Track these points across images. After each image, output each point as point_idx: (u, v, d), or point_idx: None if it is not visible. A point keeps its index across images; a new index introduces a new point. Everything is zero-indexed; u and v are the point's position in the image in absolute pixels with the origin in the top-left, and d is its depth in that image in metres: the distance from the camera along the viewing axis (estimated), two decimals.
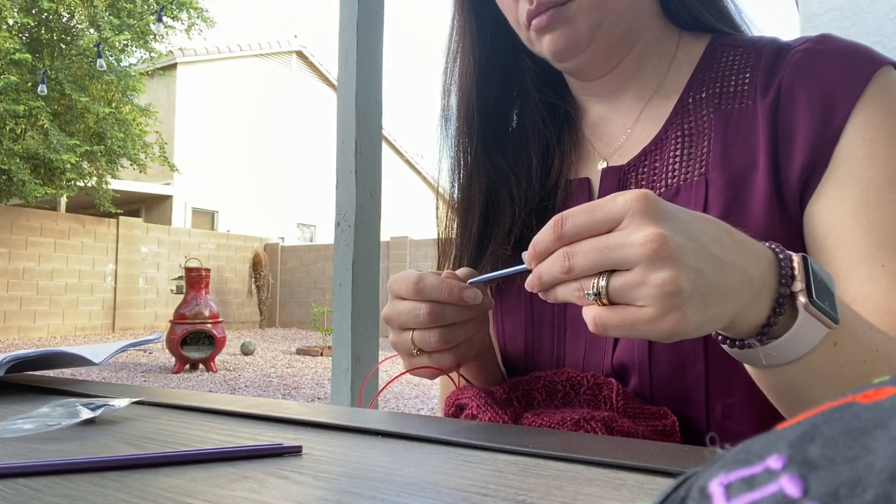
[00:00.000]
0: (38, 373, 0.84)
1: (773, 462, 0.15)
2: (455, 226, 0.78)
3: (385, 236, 10.90)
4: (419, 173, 19.64)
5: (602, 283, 0.41)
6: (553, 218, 0.43)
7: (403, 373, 0.62)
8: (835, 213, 0.56)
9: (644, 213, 0.39)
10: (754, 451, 0.16)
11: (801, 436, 0.16)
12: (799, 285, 0.43)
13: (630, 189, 0.65)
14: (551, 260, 0.43)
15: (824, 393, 0.47)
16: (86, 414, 0.52)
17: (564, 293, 0.44)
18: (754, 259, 0.43)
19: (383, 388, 0.68)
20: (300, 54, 17.84)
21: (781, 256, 0.45)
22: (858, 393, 0.17)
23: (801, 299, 0.43)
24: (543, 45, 0.65)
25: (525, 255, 0.46)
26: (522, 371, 0.67)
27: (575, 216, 0.42)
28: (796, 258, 0.44)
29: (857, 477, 0.13)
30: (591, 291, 0.41)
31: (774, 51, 0.64)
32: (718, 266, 0.40)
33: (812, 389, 0.48)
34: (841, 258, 0.56)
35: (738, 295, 0.42)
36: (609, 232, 0.41)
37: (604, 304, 0.41)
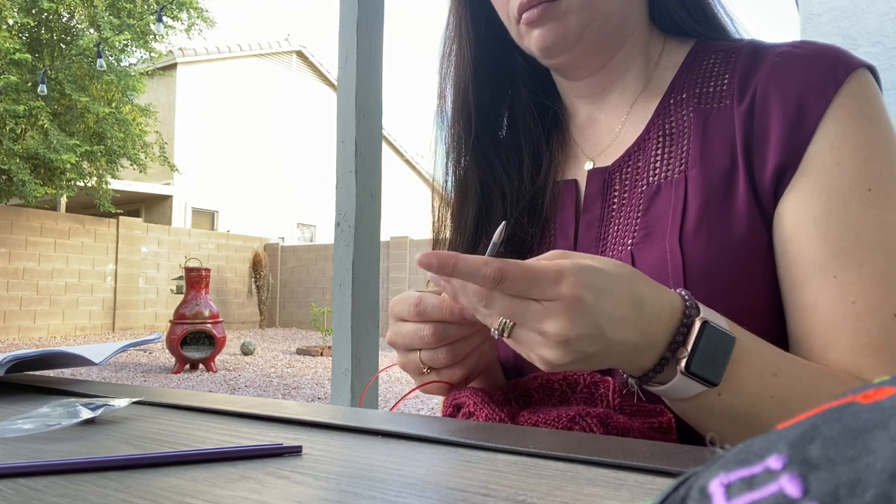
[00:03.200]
0: (38, 373, 0.84)
1: (773, 462, 0.15)
2: (449, 221, 0.79)
3: (385, 236, 10.91)
4: (419, 173, 19.64)
5: (509, 326, 0.47)
6: (494, 265, 0.45)
7: (414, 388, 0.63)
8: (799, 218, 0.57)
9: (567, 308, 0.44)
10: (754, 450, 0.16)
11: (801, 436, 0.16)
12: (683, 352, 0.47)
13: (615, 187, 0.67)
14: (470, 294, 0.47)
15: (713, 424, 0.52)
16: (86, 414, 0.52)
17: (473, 310, 0.49)
18: (653, 330, 0.47)
19: (404, 396, 0.68)
20: (300, 54, 17.84)
21: (685, 321, 0.48)
22: (858, 393, 0.17)
23: (680, 365, 0.48)
24: (532, 40, 0.66)
25: (432, 267, 0.48)
26: (514, 373, 0.68)
27: (514, 282, 0.45)
28: (697, 324, 0.48)
29: (857, 477, 0.13)
30: (497, 328, 0.47)
31: (751, 52, 0.65)
32: (607, 346, 0.46)
33: (700, 419, 0.52)
34: (799, 265, 0.56)
35: (618, 358, 0.48)
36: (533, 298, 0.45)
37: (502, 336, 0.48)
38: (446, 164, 0.79)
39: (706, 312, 0.49)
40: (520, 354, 0.67)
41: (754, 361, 0.50)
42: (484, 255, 0.72)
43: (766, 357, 0.51)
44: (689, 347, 0.47)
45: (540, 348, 0.46)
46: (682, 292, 0.50)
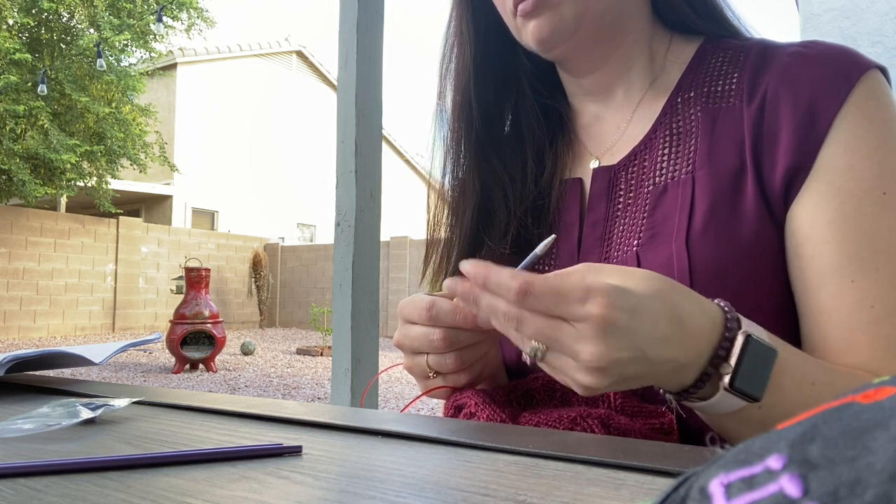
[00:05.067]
0: (38, 373, 0.84)
1: (773, 462, 0.15)
2: (446, 222, 0.78)
3: (385, 236, 10.90)
4: (419, 173, 19.64)
5: (542, 350, 0.45)
6: (520, 278, 0.44)
7: (421, 395, 0.62)
8: (813, 221, 0.56)
9: (599, 329, 0.42)
10: (754, 451, 0.16)
11: (801, 436, 0.16)
12: (727, 368, 0.46)
13: (620, 187, 0.66)
14: (499, 315, 0.46)
15: (750, 435, 0.48)
16: (86, 414, 0.52)
17: (504, 331, 0.47)
18: (695, 345, 0.46)
19: (413, 401, 0.67)
20: (300, 54, 17.83)
21: (727, 335, 0.46)
22: (858, 393, 0.17)
23: (724, 381, 0.46)
24: (528, 32, 0.66)
25: (467, 277, 0.48)
26: (517, 374, 0.67)
27: (540, 296, 0.43)
28: (740, 339, 0.46)
29: (857, 477, 0.13)
30: (529, 352, 0.45)
31: (761, 52, 0.64)
32: (647, 365, 0.44)
33: (738, 432, 0.51)
34: (814, 269, 0.56)
35: (660, 377, 0.46)
36: (564, 317, 0.44)
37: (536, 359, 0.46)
38: (444, 162, 0.78)
39: (747, 325, 0.47)
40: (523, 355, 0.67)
41: (794, 373, 0.49)
42: (485, 254, 0.72)
43: (804, 367, 0.50)
44: (733, 363, 0.45)
45: (575, 373, 0.44)
46: (722, 303, 0.48)
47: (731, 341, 0.46)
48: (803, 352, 0.53)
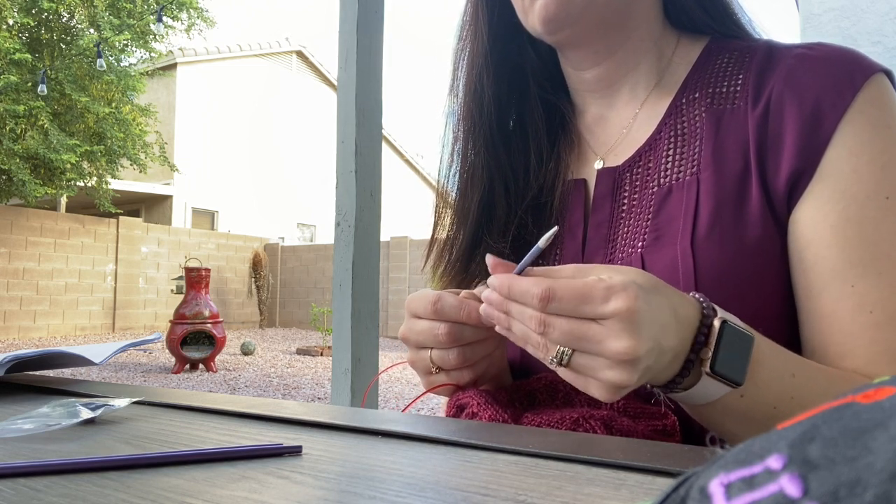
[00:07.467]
0: (38, 373, 0.84)
1: (773, 462, 0.15)
2: (450, 214, 0.77)
3: (385, 236, 10.90)
4: (419, 173, 19.64)
5: (567, 354, 0.46)
6: (543, 285, 0.45)
7: (424, 392, 0.62)
8: (816, 225, 0.56)
9: (628, 323, 0.43)
10: (754, 451, 0.16)
11: (801, 436, 0.16)
12: (707, 353, 0.47)
13: (625, 188, 0.66)
14: (527, 319, 0.47)
15: (735, 427, 0.51)
16: (86, 414, 0.52)
17: (525, 339, 0.48)
18: (682, 331, 0.47)
19: (415, 399, 0.67)
20: (300, 54, 17.83)
21: (704, 322, 0.48)
22: (858, 393, 0.17)
23: (705, 367, 0.47)
24: (535, 12, 0.65)
25: (492, 288, 0.49)
26: (521, 373, 0.67)
27: (563, 299, 0.44)
28: (716, 323, 0.47)
29: (857, 477, 0.13)
30: (554, 357, 0.46)
31: (766, 53, 0.64)
32: (659, 356, 0.45)
33: (723, 424, 0.52)
34: (816, 272, 0.56)
35: (661, 369, 0.47)
36: (589, 318, 0.44)
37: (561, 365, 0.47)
38: (453, 151, 0.77)
39: (722, 313, 0.49)
40: (527, 354, 0.67)
41: (773, 362, 0.50)
42: (482, 251, 0.72)
43: (783, 358, 0.51)
44: (712, 347, 0.47)
45: (604, 372, 0.44)
46: (696, 295, 0.50)
47: (709, 327, 0.47)
48: (794, 351, 0.54)
